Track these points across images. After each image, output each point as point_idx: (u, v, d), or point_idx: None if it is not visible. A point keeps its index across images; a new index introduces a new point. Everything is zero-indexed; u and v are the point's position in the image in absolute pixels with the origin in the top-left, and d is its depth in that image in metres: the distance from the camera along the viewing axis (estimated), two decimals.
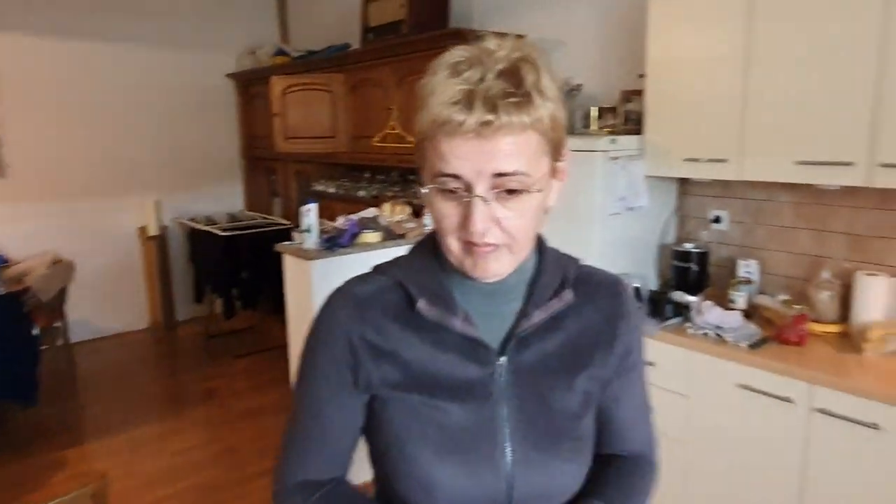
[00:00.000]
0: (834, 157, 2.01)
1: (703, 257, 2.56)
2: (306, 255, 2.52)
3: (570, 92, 2.80)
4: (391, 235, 2.80)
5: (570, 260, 0.89)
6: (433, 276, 0.81)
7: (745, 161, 2.24)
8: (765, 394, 2.03)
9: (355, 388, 0.81)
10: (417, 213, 3.08)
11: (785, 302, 2.27)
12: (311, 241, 2.57)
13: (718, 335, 2.21)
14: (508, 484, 0.78)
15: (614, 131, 2.66)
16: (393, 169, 4.15)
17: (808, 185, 2.34)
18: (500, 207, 0.71)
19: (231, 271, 4.46)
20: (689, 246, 2.60)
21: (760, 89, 2.17)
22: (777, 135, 2.14)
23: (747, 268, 2.53)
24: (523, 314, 0.81)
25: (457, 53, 0.72)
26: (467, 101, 0.67)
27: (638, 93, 2.62)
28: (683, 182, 2.78)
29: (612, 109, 2.77)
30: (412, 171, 3.81)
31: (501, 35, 0.74)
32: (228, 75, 5.25)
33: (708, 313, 2.27)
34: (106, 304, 4.97)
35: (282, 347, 3.34)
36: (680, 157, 2.43)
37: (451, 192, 0.71)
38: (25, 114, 4.45)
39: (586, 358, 0.85)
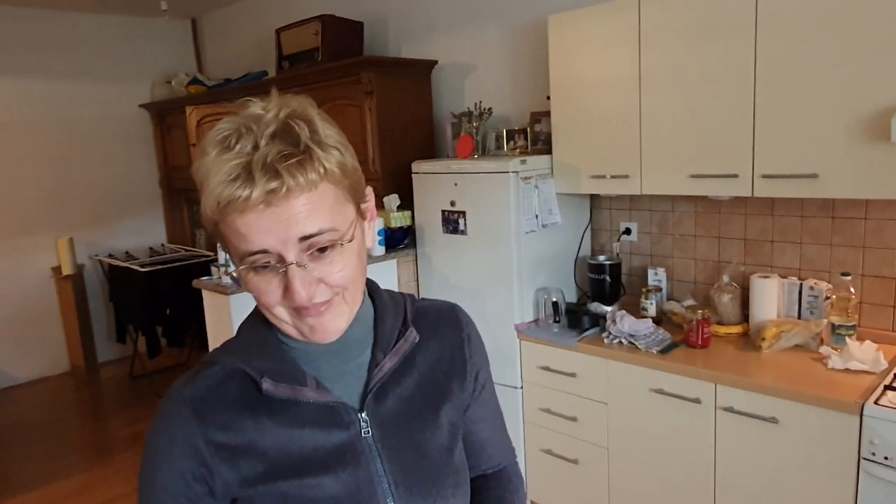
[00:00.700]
0: (721, 170, 2.16)
1: (615, 268, 2.68)
2: (225, 290, 2.49)
3: (482, 115, 2.88)
4: None
5: (404, 298, 0.87)
6: (272, 350, 0.76)
7: (644, 176, 2.37)
8: (675, 396, 2.14)
9: (213, 499, 0.73)
10: None
11: (691, 307, 2.41)
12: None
13: (631, 343, 2.32)
14: None
15: (525, 152, 2.76)
16: None
17: (704, 196, 2.50)
18: (318, 266, 0.68)
19: (154, 308, 4.31)
20: (602, 258, 2.72)
21: (654, 109, 2.31)
22: (671, 151, 2.29)
23: (656, 276, 2.66)
24: (374, 364, 0.79)
25: (223, 128, 0.67)
26: (246, 173, 0.63)
27: (546, 114, 2.73)
28: (594, 197, 2.91)
29: (523, 131, 2.87)
30: None
31: (266, 95, 0.70)
32: (142, 106, 5.11)
33: (621, 322, 2.38)
34: (21, 349, 4.72)
35: None
36: (587, 175, 2.55)
37: (264, 267, 0.67)
38: None
39: (444, 390, 0.85)
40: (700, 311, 2.27)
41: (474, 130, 2.89)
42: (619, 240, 2.84)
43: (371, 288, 0.84)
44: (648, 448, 2.25)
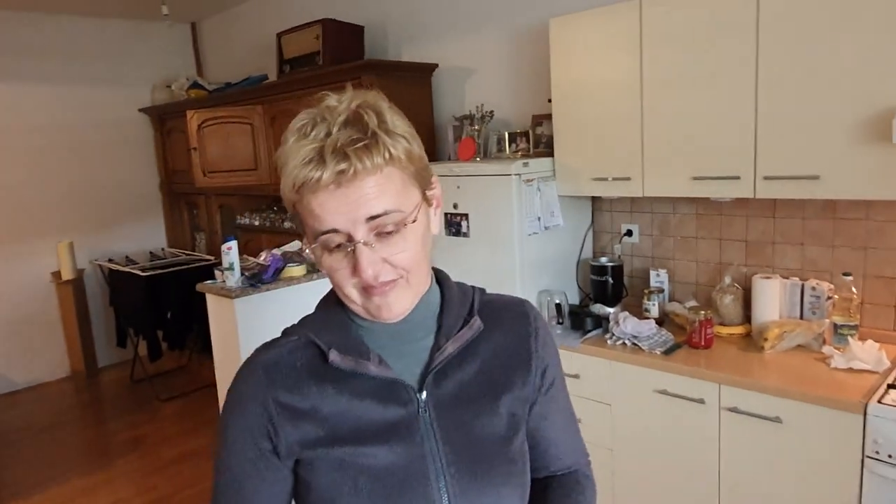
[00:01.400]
0: (723, 172, 2.18)
1: (618, 270, 2.69)
2: (229, 294, 2.49)
3: (483, 118, 2.89)
4: (316, 268, 2.79)
5: (473, 289, 0.91)
6: (341, 326, 0.82)
7: (646, 179, 2.39)
8: (679, 397, 2.15)
9: (277, 457, 0.79)
10: None
11: (693, 308, 2.42)
12: (233, 278, 2.54)
13: (635, 344, 2.32)
14: None
15: (526, 155, 2.77)
16: None
17: (706, 198, 2.52)
18: (384, 247, 0.73)
19: (155, 312, 4.32)
20: (604, 260, 2.73)
21: (655, 111, 2.32)
22: (673, 153, 2.30)
23: (658, 277, 2.67)
24: (436, 348, 0.83)
25: (301, 117, 0.74)
26: (319, 157, 0.70)
27: (548, 117, 2.74)
28: (596, 199, 2.92)
29: (525, 133, 2.88)
30: None
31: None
32: (142, 110, 5.11)
33: (624, 323, 2.39)
34: (21, 355, 4.71)
35: (212, 386, 3.26)
36: (589, 177, 2.56)
37: (335, 246, 0.73)
38: None
39: (506, 381, 0.86)
40: (702, 312, 2.28)
41: (476, 133, 2.90)
42: (620, 241, 2.85)
43: (441, 277, 0.89)
44: (653, 448, 2.25)
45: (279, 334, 0.86)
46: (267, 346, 0.84)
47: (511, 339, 0.89)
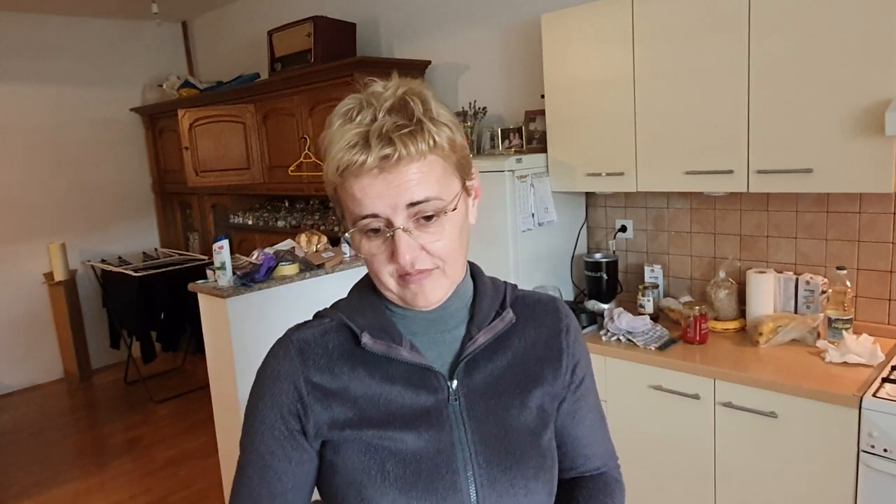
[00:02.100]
0: (716, 166, 2.17)
1: (612, 266, 2.68)
2: (221, 293, 2.47)
3: (476, 114, 2.88)
4: (309, 266, 2.78)
5: (505, 284, 0.91)
6: (375, 311, 0.82)
7: (639, 173, 2.38)
8: (674, 392, 2.14)
9: (304, 438, 0.79)
10: (334, 242, 3.08)
11: (687, 303, 2.41)
12: (225, 278, 2.51)
13: (630, 339, 2.32)
14: None
15: (520, 151, 2.76)
16: (311, 197, 4.13)
17: (699, 193, 2.51)
18: (422, 234, 0.73)
19: (148, 313, 4.29)
20: (598, 256, 2.72)
21: (648, 106, 2.31)
22: (666, 148, 2.29)
23: (653, 273, 2.67)
24: (468, 338, 0.83)
25: (347, 102, 0.75)
26: (364, 141, 0.70)
27: (541, 112, 2.73)
28: (590, 195, 2.91)
29: (518, 130, 2.87)
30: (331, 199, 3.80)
31: (388, 78, 0.77)
32: (133, 109, 5.08)
33: (619, 319, 2.38)
34: (13, 356, 4.68)
35: (206, 387, 3.25)
36: (582, 173, 2.55)
37: (374, 231, 0.74)
38: None
39: (536, 375, 0.86)
40: (697, 307, 2.27)
41: (469, 130, 2.89)
42: (615, 237, 2.85)
43: (475, 272, 0.89)
44: (648, 444, 2.25)
45: (282, 332, 0.85)
46: (299, 327, 0.84)
47: (543, 334, 0.89)
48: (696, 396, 2.10)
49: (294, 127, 3.73)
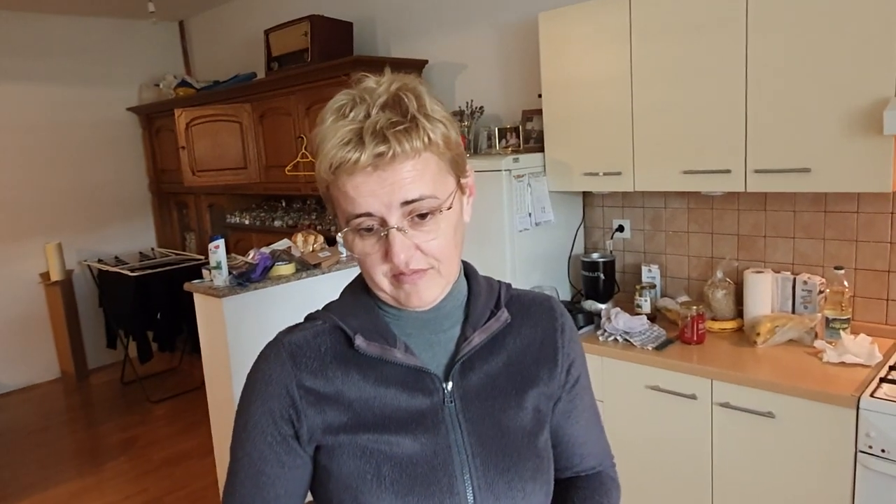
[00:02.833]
0: (714, 165, 2.16)
1: (609, 266, 2.68)
2: (217, 293, 2.46)
3: (473, 114, 2.87)
4: (305, 266, 2.77)
5: (500, 283, 0.90)
6: (368, 312, 0.81)
7: (637, 173, 2.37)
8: (671, 393, 2.14)
9: (297, 443, 0.78)
10: (330, 241, 3.07)
11: (685, 303, 2.40)
12: (221, 277, 2.50)
13: (627, 340, 2.31)
14: None
15: (517, 150, 2.75)
16: (308, 197, 4.12)
17: (697, 192, 2.50)
18: (417, 233, 0.72)
19: (145, 313, 4.27)
20: (595, 256, 2.71)
21: (645, 105, 2.30)
22: (664, 147, 2.28)
23: (650, 273, 2.66)
24: (463, 338, 0.82)
25: (339, 98, 0.73)
26: (357, 138, 0.69)
27: (538, 112, 2.72)
28: (587, 195, 2.90)
29: (515, 129, 2.86)
30: None
31: (380, 73, 0.75)
32: (130, 109, 5.06)
33: (616, 319, 2.37)
34: (10, 356, 4.66)
35: (203, 387, 3.24)
36: (579, 172, 2.54)
37: (367, 230, 0.72)
38: None
39: (532, 375, 0.85)
40: (694, 308, 2.27)
41: (466, 129, 2.88)
42: (612, 237, 2.84)
43: (468, 271, 0.87)
44: (645, 445, 2.24)
45: (278, 333, 0.83)
46: (291, 329, 0.82)
47: (538, 333, 0.88)
48: (693, 397, 2.09)
49: (291, 126, 3.72)
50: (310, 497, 0.85)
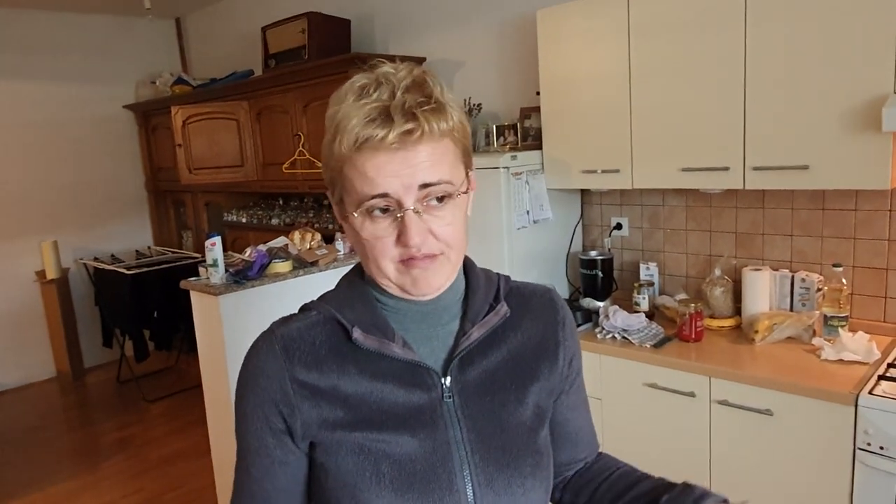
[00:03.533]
0: (712, 163, 2.16)
1: (607, 263, 2.67)
2: (213, 291, 2.45)
3: (471, 111, 2.86)
4: (302, 264, 2.76)
5: (499, 276, 0.88)
6: (365, 304, 0.79)
7: (635, 170, 2.36)
8: (670, 390, 2.13)
9: (290, 438, 0.76)
10: (328, 239, 3.06)
11: (683, 301, 2.40)
12: (217, 275, 2.49)
13: (625, 337, 2.30)
14: None
15: (515, 148, 2.74)
16: (306, 195, 4.11)
17: (695, 190, 2.50)
18: (431, 218, 0.72)
19: (141, 311, 4.25)
20: (594, 253, 2.71)
21: (644, 102, 2.30)
22: (662, 144, 2.28)
23: (648, 270, 2.66)
24: (461, 333, 0.80)
25: (359, 79, 0.72)
26: (385, 115, 0.68)
27: (536, 109, 2.72)
28: (585, 192, 2.90)
29: (513, 126, 2.85)
30: (325, 196, 3.78)
31: (392, 60, 0.74)
32: (126, 107, 5.04)
33: (614, 317, 2.37)
34: (5, 355, 4.65)
35: (200, 386, 3.22)
36: (578, 170, 2.54)
37: (382, 213, 0.71)
38: None
39: (533, 370, 0.84)
40: (692, 305, 2.26)
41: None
42: (610, 235, 2.83)
43: (467, 265, 0.86)
44: (643, 443, 2.23)
45: (271, 323, 0.82)
46: (285, 320, 0.81)
47: (538, 326, 0.87)
48: (691, 394, 2.08)
49: (288, 124, 3.70)
50: None
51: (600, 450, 1.00)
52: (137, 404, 4.28)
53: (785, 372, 1.94)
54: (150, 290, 4.23)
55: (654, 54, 2.24)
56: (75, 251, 4.87)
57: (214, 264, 2.49)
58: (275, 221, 4.11)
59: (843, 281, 2.12)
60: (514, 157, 2.54)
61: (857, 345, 1.98)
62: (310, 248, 2.84)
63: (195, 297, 2.60)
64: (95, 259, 4.71)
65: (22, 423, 4.14)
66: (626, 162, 2.38)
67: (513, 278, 0.91)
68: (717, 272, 2.39)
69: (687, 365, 2.09)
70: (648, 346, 2.23)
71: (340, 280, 0.85)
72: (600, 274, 2.65)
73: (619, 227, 2.82)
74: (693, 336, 2.24)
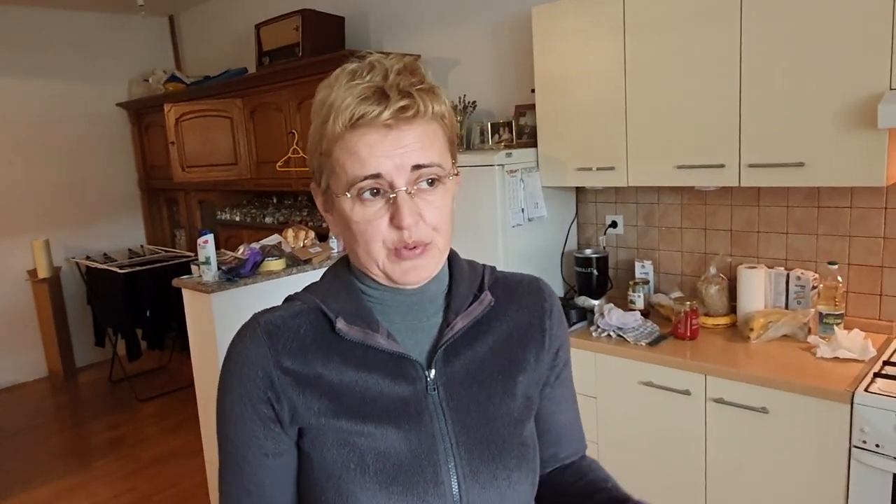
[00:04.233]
0: (708, 160, 2.15)
1: (602, 262, 2.66)
2: (206, 289, 2.42)
3: (466, 109, 2.85)
4: (296, 262, 2.74)
5: (484, 266, 0.88)
6: (350, 295, 0.79)
7: (630, 168, 2.36)
8: (665, 388, 2.12)
9: (279, 426, 0.75)
10: (321, 237, 3.04)
11: (678, 299, 2.39)
12: (210, 273, 2.47)
13: (620, 336, 2.30)
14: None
15: (510, 145, 2.73)
16: (300, 193, 4.08)
17: (690, 187, 2.49)
18: (421, 202, 0.72)
19: (133, 310, 4.22)
20: (589, 252, 2.70)
21: (639, 100, 2.29)
22: (657, 142, 2.27)
23: (643, 269, 2.65)
24: (445, 324, 0.80)
25: (350, 65, 0.72)
26: (380, 93, 0.68)
27: (531, 107, 2.71)
28: (580, 190, 2.89)
29: (508, 124, 2.84)
30: None
31: (382, 53, 0.75)
32: (119, 104, 5.01)
33: (609, 315, 2.36)
34: None
35: (193, 386, 3.20)
36: (572, 168, 2.53)
37: (373, 196, 0.71)
38: None
39: (519, 359, 0.83)
40: (688, 303, 2.26)
41: (459, 124, 2.85)
42: (605, 233, 2.82)
43: (451, 256, 0.85)
44: (639, 441, 2.23)
45: (254, 313, 0.80)
46: (271, 309, 0.80)
47: (524, 315, 0.85)
48: (686, 392, 2.08)
49: (282, 122, 3.68)
50: None
51: (593, 455, 0.98)
52: (129, 404, 4.24)
53: (780, 370, 1.93)
54: (142, 289, 4.20)
55: (649, 51, 2.23)
56: (67, 250, 4.83)
57: (207, 262, 2.47)
58: (268, 220, 4.09)
59: (839, 279, 2.12)
60: (508, 155, 2.53)
61: (852, 342, 1.97)
62: (303, 246, 2.83)
63: (187, 295, 2.58)
64: (87, 258, 4.67)
65: (13, 422, 4.10)
66: (622, 159, 2.37)
67: (515, 272, 0.90)
68: (713, 270, 2.38)
69: (682, 363, 2.08)
70: (644, 344, 2.22)
71: (326, 271, 0.84)
72: (595, 272, 2.64)
73: (614, 225, 2.81)
74: (688, 334, 2.23)
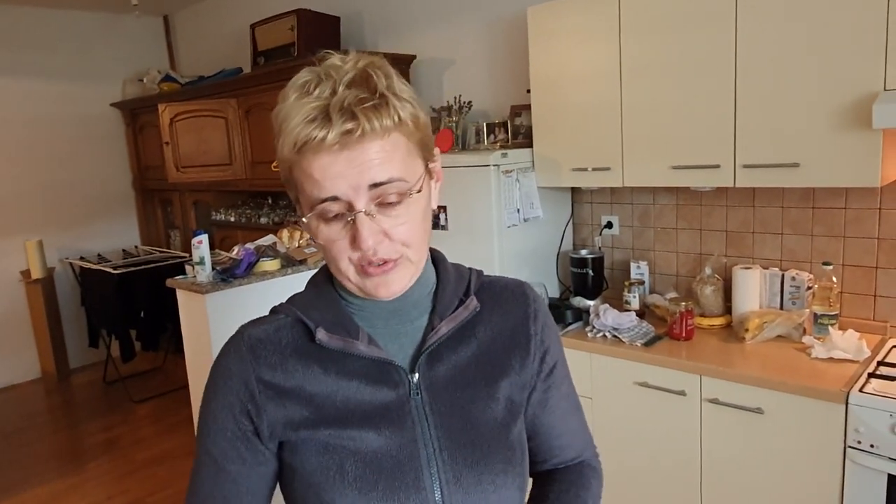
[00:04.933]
0: (703, 160, 2.15)
1: (598, 262, 2.66)
2: (200, 289, 2.42)
3: (461, 109, 2.85)
4: (291, 262, 2.73)
5: (471, 271, 0.87)
6: (331, 304, 0.78)
7: (626, 168, 2.35)
8: (660, 389, 2.12)
9: (258, 439, 0.76)
10: None
11: (673, 299, 2.39)
12: (204, 273, 2.46)
13: (615, 336, 2.29)
14: None
15: (505, 146, 2.73)
16: None
17: (686, 188, 2.50)
18: (385, 219, 0.69)
19: (127, 311, 4.20)
20: (584, 252, 2.69)
21: (634, 100, 2.29)
22: (653, 142, 2.27)
23: (638, 269, 2.65)
24: (430, 328, 0.79)
25: (302, 75, 0.70)
26: (324, 115, 0.65)
27: (527, 107, 2.70)
28: (576, 191, 2.89)
29: (503, 124, 2.83)
30: None
31: (345, 52, 0.72)
32: (113, 104, 4.99)
33: (604, 316, 2.36)
34: None
35: (187, 387, 3.19)
36: (568, 168, 2.52)
37: (333, 216, 0.69)
38: None
39: (504, 364, 0.82)
40: (683, 304, 2.26)
41: (454, 125, 2.85)
42: (600, 233, 2.82)
43: (436, 258, 0.84)
44: (634, 441, 2.22)
45: (241, 325, 0.81)
46: (254, 323, 0.80)
47: (509, 321, 0.85)
48: (682, 393, 2.07)
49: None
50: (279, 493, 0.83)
51: (593, 460, 0.97)
52: (124, 405, 4.23)
53: (775, 370, 1.93)
54: (136, 289, 4.18)
55: (644, 52, 2.23)
56: (61, 250, 4.81)
57: (201, 262, 2.46)
58: (263, 220, 4.08)
59: (833, 279, 2.12)
60: (504, 155, 2.52)
61: (847, 343, 1.97)
62: (298, 247, 2.82)
63: (181, 295, 2.57)
64: (81, 258, 4.65)
65: (7, 424, 4.08)
66: (617, 160, 2.37)
67: (501, 276, 0.89)
68: (708, 271, 2.38)
69: (677, 363, 2.08)
70: (639, 344, 2.22)
71: (308, 282, 0.84)
72: (591, 273, 2.64)
73: (609, 225, 2.81)
74: (683, 335, 2.23)
